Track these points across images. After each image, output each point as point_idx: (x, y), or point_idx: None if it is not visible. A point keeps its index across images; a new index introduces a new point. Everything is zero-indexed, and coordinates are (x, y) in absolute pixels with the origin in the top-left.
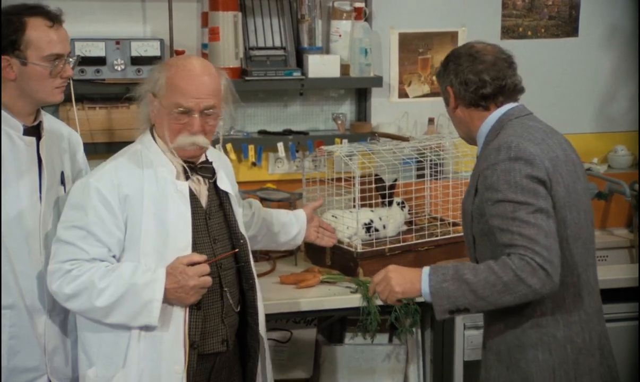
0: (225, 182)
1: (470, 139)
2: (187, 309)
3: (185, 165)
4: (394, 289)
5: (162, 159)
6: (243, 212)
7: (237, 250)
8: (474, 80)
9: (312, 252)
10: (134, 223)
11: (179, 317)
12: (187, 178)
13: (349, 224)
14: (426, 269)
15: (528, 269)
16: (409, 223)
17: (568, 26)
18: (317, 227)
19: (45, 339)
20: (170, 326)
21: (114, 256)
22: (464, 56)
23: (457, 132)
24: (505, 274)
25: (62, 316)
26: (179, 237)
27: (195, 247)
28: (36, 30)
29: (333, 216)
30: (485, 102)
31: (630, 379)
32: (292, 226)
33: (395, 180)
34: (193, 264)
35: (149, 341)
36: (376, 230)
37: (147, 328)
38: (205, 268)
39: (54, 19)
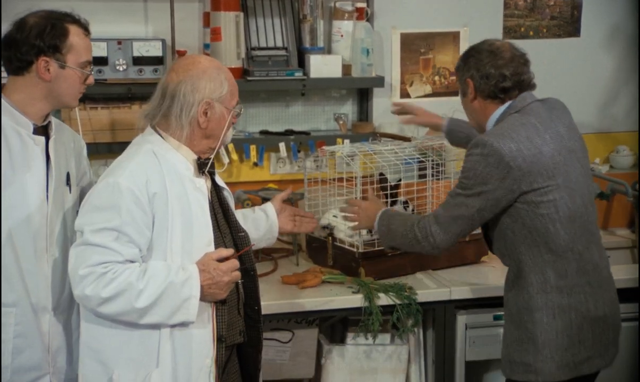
0: (220, 178)
1: (481, 129)
2: (214, 304)
3: (199, 162)
4: (361, 223)
5: (177, 156)
6: None
7: (254, 244)
8: (495, 74)
9: (314, 252)
10: (161, 221)
11: (207, 311)
12: (202, 174)
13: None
14: (382, 211)
15: (422, 234)
16: None
17: (570, 26)
18: (292, 216)
19: (50, 338)
20: (200, 321)
21: (142, 256)
22: (484, 52)
23: (469, 120)
24: (412, 232)
25: (66, 315)
26: (203, 234)
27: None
28: (77, 37)
29: (334, 216)
30: (504, 94)
31: (631, 379)
32: (260, 220)
33: (399, 180)
34: (221, 260)
35: (181, 338)
36: None
37: (178, 326)
38: (236, 263)
39: (87, 28)
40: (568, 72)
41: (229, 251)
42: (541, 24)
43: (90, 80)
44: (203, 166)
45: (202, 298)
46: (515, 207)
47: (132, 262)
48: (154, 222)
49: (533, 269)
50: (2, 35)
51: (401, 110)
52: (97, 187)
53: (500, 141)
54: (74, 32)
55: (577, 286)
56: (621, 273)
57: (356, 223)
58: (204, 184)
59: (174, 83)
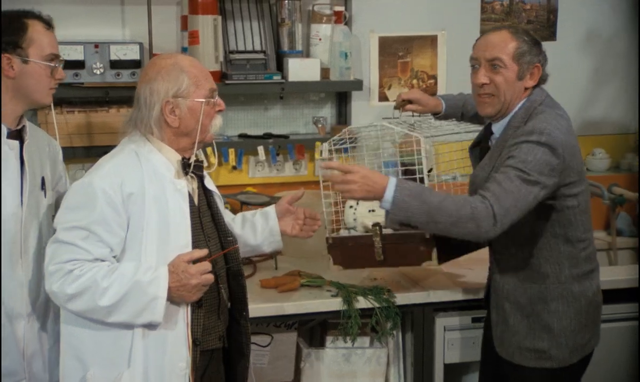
0: (210, 181)
1: (502, 114)
2: (189, 306)
3: (182, 162)
4: (356, 193)
5: (159, 157)
6: None
7: (237, 246)
8: (546, 62)
9: (348, 253)
10: (136, 222)
11: (182, 314)
12: (186, 174)
13: (377, 208)
14: (393, 179)
15: (484, 213)
16: None
17: (546, 30)
18: (298, 220)
19: (25, 343)
20: (173, 323)
21: (114, 256)
22: (537, 39)
23: (497, 104)
24: (464, 209)
25: (42, 321)
26: (180, 236)
27: (193, 246)
28: (37, 31)
29: (351, 206)
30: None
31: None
32: (257, 224)
33: (430, 169)
34: (195, 261)
35: (153, 339)
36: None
37: (150, 326)
38: (207, 266)
39: (49, 23)
40: None
41: (202, 252)
42: None
43: (60, 74)
44: (187, 167)
45: (171, 300)
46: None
47: (102, 261)
48: (129, 222)
49: (549, 260)
50: None
51: (405, 103)
52: (73, 187)
53: (555, 131)
54: (34, 26)
55: (585, 273)
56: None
57: (347, 193)
58: (185, 185)
59: (138, 88)
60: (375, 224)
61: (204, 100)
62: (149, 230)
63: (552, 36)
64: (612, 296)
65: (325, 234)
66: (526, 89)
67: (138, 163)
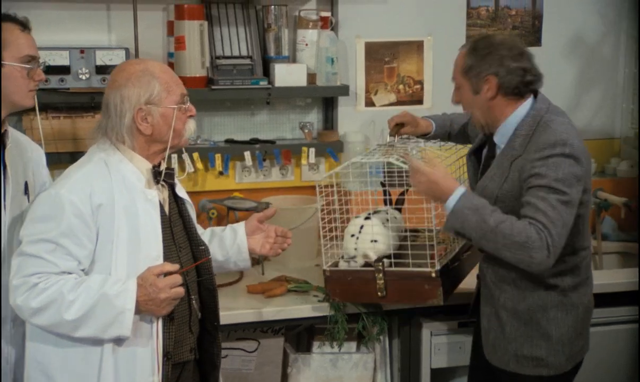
0: (182, 189)
1: (489, 127)
2: (160, 319)
3: (154, 171)
4: (421, 192)
5: (129, 167)
6: None
7: (209, 258)
8: (518, 69)
9: (344, 287)
10: (105, 233)
11: (153, 327)
12: (157, 183)
13: (379, 238)
14: (461, 189)
15: (539, 244)
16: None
17: (531, 36)
18: (269, 238)
19: (9, 349)
20: (144, 336)
21: (83, 269)
22: (500, 46)
23: (476, 119)
24: (519, 236)
25: (25, 326)
26: (151, 247)
27: (164, 256)
28: (11, 34)
29: (353, 235)
30: (526, 88)
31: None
32: (226, 240)
33: (406, 190)
34: (166, 274)
35: (123, 353)
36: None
37: (120, 341)
38: (177, 279)
39: (24, 25)
40: None
41: (174, 267)
42: (503, 34)
43: (39, 75)
44: (158, 175)
45: (139, 313)
46: None
47: (69, 274)
48: (98, 234)
49: (552, 272)
50: None
51: (399, 127)
52: (39, 197)
53: (575, 140)
54: (8, 29)
55: (583, 281)
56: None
57: (415, 188)
58: (156, 195)
59: (106, 95)
60: (378, 260)
61: (175, 106)
62: (119, 241)
63: (537, 42)
64: (601, 299)
65: (323, 265)
66: (491, 100)
67: (107, 173)
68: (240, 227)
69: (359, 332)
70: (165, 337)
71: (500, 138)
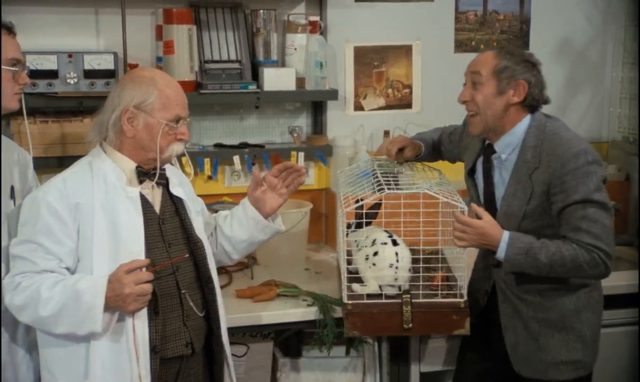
0: (178, 189)
1: (492, 133)
2: (147, 314)
3: (138, 170)
4: (476, 244)
5: (112, 166)
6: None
7: (186, 256)
8: (543, 82)
9: (363, 320)
10: (85, 231)
11: (139, 322)
12: (140, 183)
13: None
14: (506, 235)
15: (593, 263)
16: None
17: (519, 40)
18: (277, 184)
19: None
20: (130, 331)
21: (67, 268)
22: (530, 56)
23: (481, 122)
24: (574, 262)
25: (11, 331)
26: (132, 243)
27: (150, 252)
28: None
29: (391, 265)
30: (540, 103)
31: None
32: (240, 216)
33: (381, 200)
34: (147, 269)
35: (110, 348)
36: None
37: (104, 336)
38: (142, 276)
39: (9, 29)
40: None
41: (143, 262)
42: (491, 38)
43: (24, 79)
44: (143, 175)
45: (108, 309)
46: None
47: (52, 272)
48: (79, 231)
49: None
50: None
51: (401, 154)
52: (23, 202)
53: (586, 143)
54: None
55: (598, 280)
56: None
57: (463, 241)
58: (137, 193)
59: (111, 91)
60: (406, 292)
61: (164, 122)
62: (99, 239)
63: (525, 46)
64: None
65: (344, 299)
66: (512, 105)
67: (89, 174)
68: (245, 201)
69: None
70: (152, 332)
71: (504, 148)
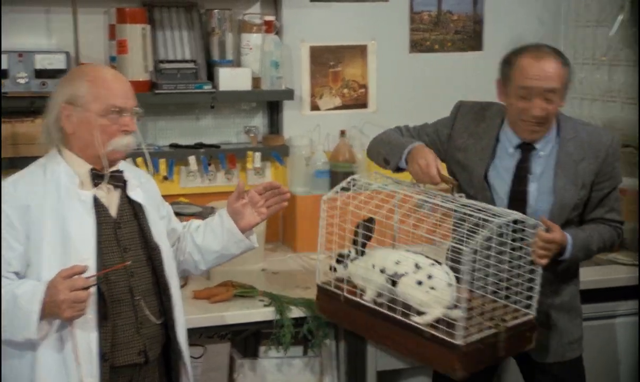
0: (137, 192)
1: (544, 134)
2: (96, 320)
3: (92, 173)
4: (549, 257)
5: (65, 168)
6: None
7: (128, 263)
8: None
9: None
10: (35, 234)
11: (87, 329)
12: (95, 185)
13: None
14: (570, 238)
15: (618, 238)
16: None
17: (473, 40)
18: (257, 206)
19: None
20: (78, 338)
21: (16, 273)
22: None
23: (545, 128)
24: (610, 241)
25: None
26: (82, 248)
27: (102, 257)
28: None
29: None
30: None
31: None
32: (216, 227)
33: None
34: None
35: (56, 356)
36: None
37: (54, 343)
38: (77, 283)
39: None
40: (473, 84)
41: (82, 268)
42: (446, 39)
43: None
44: (98, 178)
45: (45, 316)
46: None
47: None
48: (29, 235)
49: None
50: None
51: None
52: None
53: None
54: None
55: None
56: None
57: (545, 259)
58: (89, 196)
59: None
60: (500, 320)
61: (96, 114)
62: (49, 242)
63: (478, 46)
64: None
65: (457, 339)
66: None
67: (42, 176)
68: (223, 211)
69: (305, 336)
70: (102, 339)
71: (544, 145)
